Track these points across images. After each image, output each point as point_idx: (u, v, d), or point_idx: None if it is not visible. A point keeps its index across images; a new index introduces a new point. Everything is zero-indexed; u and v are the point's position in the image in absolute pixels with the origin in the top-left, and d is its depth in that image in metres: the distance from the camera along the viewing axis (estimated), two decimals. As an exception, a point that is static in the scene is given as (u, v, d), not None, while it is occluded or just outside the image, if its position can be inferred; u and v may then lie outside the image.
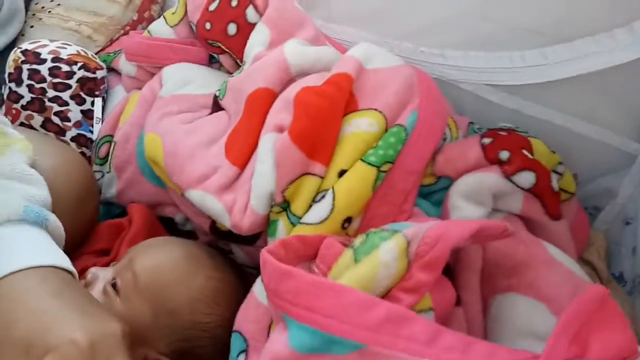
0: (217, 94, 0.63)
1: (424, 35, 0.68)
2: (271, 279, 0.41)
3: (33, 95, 0.69)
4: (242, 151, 0.55)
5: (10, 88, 0.69)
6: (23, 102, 0.69)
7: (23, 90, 0.69)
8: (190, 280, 0.53)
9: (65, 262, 0.45)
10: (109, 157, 0.68)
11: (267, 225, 0.54)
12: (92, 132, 0.71)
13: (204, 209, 0.56)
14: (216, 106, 0.63)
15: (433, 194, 0.57)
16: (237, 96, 0.59)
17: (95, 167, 0.69)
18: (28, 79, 0.69)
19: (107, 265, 0.58)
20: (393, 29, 0.69)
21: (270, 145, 0.53)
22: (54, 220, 0.48)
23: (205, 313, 0.52)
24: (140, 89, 0.71)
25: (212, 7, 0.65)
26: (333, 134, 0.52)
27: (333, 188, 0.51)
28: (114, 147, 0.67)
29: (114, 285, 0.53)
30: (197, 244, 0.60)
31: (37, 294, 0.40)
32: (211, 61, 0.71)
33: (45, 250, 0.45)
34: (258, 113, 0.56)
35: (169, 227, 0.68)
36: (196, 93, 0.65)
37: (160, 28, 0.73)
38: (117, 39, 0.83)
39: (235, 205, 0.53)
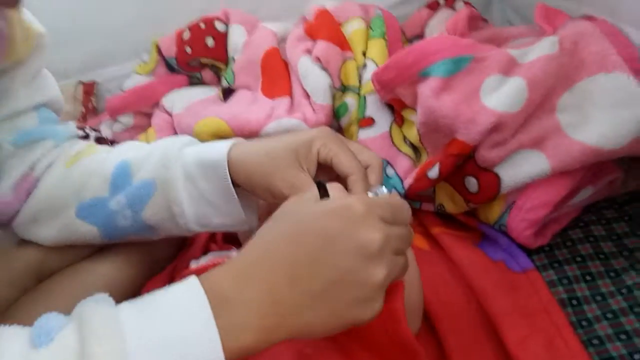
0: (226, 84, 0.83)
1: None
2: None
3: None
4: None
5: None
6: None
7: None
8: None
9: None
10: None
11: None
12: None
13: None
14: (228, 94, 0.83)
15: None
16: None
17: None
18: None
19: None
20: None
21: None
22: None
23: None
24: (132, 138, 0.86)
25: (186, 35, 0.87)
26: None
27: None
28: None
29: None
30: None
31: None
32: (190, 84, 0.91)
33: None
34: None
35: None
36: (204, 97, 0.85)
37: (134, 80, 0.90)
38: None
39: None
